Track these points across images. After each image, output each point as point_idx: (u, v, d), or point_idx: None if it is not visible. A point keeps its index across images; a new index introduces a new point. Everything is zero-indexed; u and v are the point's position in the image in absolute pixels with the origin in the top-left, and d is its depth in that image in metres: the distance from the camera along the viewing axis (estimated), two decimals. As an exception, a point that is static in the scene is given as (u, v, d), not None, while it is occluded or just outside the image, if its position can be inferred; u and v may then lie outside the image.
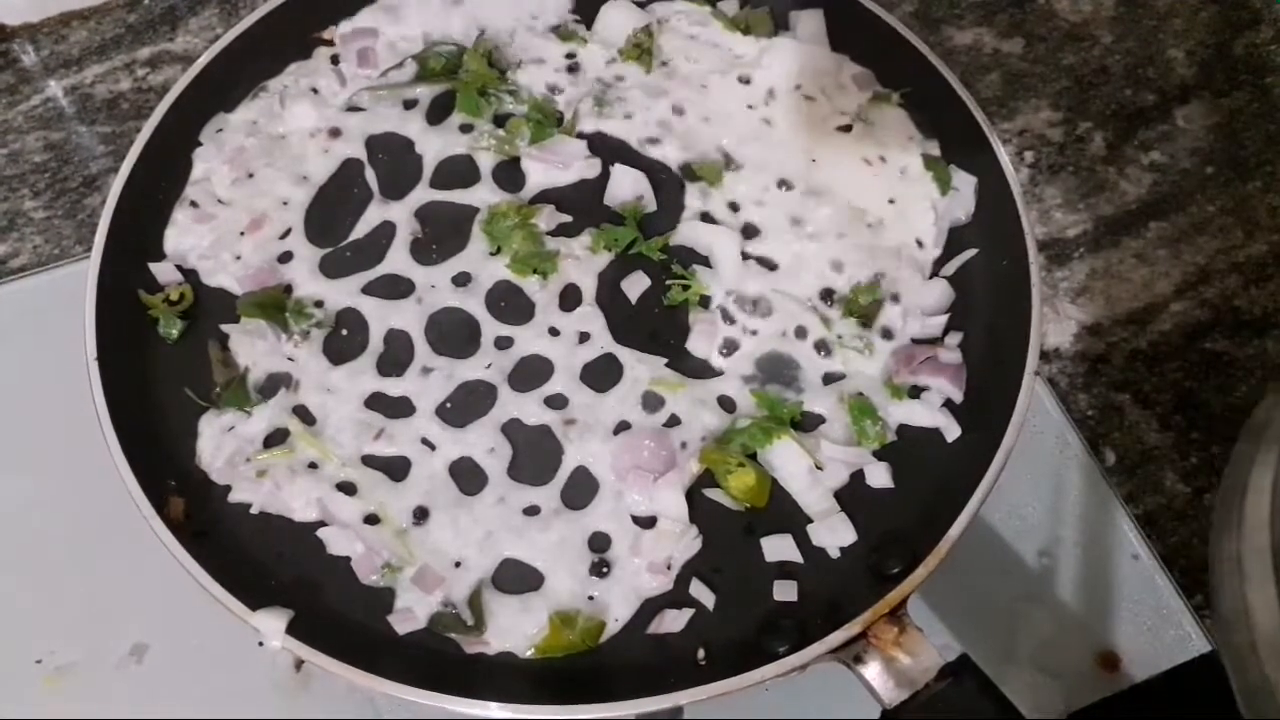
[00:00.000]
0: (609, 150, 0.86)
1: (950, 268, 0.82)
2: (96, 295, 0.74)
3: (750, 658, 0.65)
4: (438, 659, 0.67)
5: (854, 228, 0.82)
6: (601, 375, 0.77)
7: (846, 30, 0.90)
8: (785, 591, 0.71)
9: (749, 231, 0.82)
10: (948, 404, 0.77)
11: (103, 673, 0.75)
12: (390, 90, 0.87)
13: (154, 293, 0.78)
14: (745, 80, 0.88)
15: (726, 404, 0.76)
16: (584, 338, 0.78)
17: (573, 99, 0.87)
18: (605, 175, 0.84)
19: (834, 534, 0.72)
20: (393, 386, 0.75)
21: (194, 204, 0.81)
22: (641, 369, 0.77)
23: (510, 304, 0.79)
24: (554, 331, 0.78)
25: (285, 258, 0.80)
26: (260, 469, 0.72)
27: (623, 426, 0.75)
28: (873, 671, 0.63)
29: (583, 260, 0.81)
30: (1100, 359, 0.92)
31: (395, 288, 0.79)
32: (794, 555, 0.72)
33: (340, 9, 0.90)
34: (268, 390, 0.75)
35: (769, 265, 0.81)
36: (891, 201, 0.84)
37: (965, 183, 0.84)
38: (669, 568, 0.71)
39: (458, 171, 0.84)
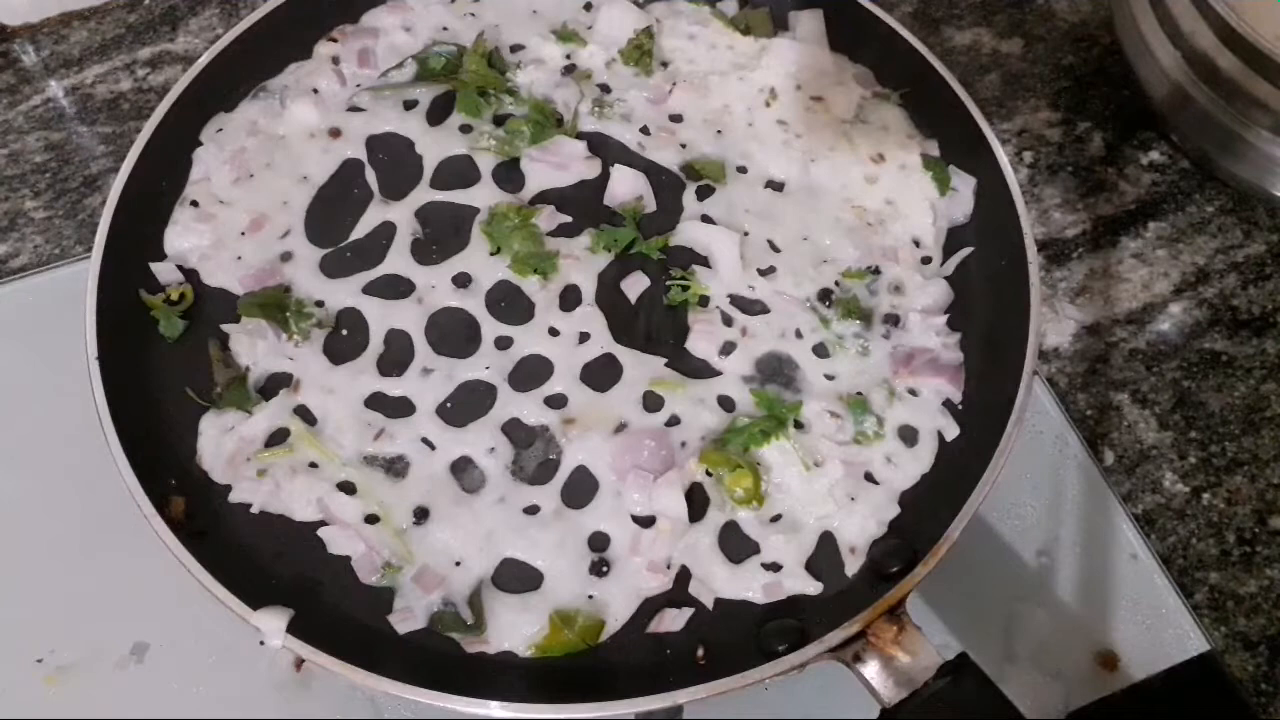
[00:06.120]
0: (609, 151, 0.86)
1: (949, 266, 0.82)
2: (97, 295, 0.74)
3: (750, 657, 0.65)
4: (438, 658, 0.67)
5: (853, 228, 0.83)
6: (601, 375, 0.77)
7: (846, 30, 0.91)
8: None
9: (748, 232, 0.82)
10: (947, 404, 0.77)
11: (103, 672, 0.75)
12: (391, 90, 0.87)
13: (154, 292, 0.78)
14: (745, 80, 0.89)
15: (726, 404, 0.76)
16: (584, 338, 0.78)
17: (572, 100, 0.87)
18: (605, 175, 0.84)
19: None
20: (393, 386, 0.76)
21: (194, 204, 0.82)
22: (641, 369, 0.77)
23: (510, 304, 0.79)
24: (554, 331, 0.78)
25: (286, 258, 0.80)
26: (261, 468, 0.72)
27: (623, 426, 0.75)
28: (872, 670, 0.64)
29: (583, 260, 0.81)
30: (1099, 359, 0.92)
31: (395, 288, 0.79)
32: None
33: (340, 10, 0.90)
34: (268, 390, 0.75)
35: (768, 266, 0.81)
36: (890, 201, 0.84)
37: (964, 183, 0.85)
38: (668, 567, 0.71)
39: (458, 172, 0.85)
